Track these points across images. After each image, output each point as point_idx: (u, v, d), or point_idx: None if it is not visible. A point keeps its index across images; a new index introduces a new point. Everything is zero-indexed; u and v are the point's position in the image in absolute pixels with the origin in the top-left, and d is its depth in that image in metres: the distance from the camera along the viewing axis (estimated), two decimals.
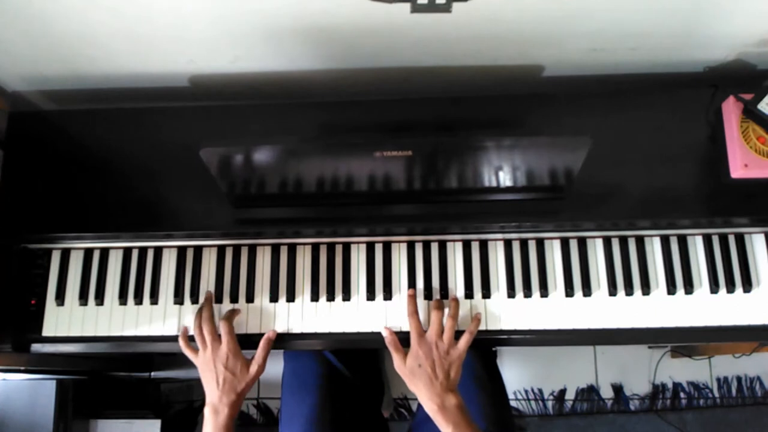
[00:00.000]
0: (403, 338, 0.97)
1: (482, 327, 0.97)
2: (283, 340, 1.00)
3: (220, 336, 0.96)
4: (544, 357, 1.75)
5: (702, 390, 1.71)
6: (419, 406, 1.16)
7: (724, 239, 1.01)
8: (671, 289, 0.98)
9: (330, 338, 1.00)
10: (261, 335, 0.99)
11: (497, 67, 1.05)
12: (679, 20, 0.91)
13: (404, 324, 0.98)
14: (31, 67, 1.04)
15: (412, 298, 0.98)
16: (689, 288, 0.98)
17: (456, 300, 0.99)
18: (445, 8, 0.85)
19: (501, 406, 1.08)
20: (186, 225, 1.00)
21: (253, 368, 0.94)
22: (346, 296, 1.01)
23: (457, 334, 0.94)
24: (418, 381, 0.90)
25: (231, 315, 0.98)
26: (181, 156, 0.99)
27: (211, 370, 0.93)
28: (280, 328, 1.00)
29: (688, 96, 1.01)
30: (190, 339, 0.98)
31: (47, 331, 1.01)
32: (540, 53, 1.02)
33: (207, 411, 0.92)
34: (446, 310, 0.97)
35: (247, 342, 0.98)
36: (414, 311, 0.96)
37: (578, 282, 1.00)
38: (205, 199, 0.98)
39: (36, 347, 1.01)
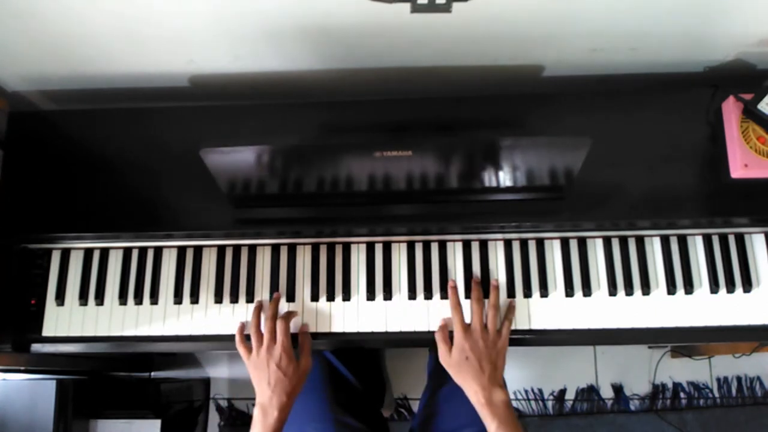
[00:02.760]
0: (404, 339, 0.97)
1: None
2: None
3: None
4: (544, 357, 1.75)
5: (702, 390, 1.71)
6: (420, 406, 1.16)
7: (724, 239, 1.01)
8: (671, 289, 0.98)
9: (330, 338, 1.00)
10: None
11: (497, 67, 1.05)
12: (679, 20, 0.91)
13: (404, 325, 0.98)
14: (31, 67, 1.04)
15: (454, 290, 0.97)
16: (689, 288, 0.98)
17: (497, 287, 0.98)
18: (445, 8, 0.85)
19: None
20: (186, 225, 1.00)
21: (302, 365, 0.94)
22: (346, 296, 1.01)
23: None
24: (465, 374, 0.89)
25: (288, 316, 0.98)
26: (180, 156, 0.99)
27: (263, 370, 0.92)
28: None
29: (688, 96, 1.01)
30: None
31: (47, 331, 1.01)
32: (540, 53, 1.02)
33: (256, 411, 0.91)
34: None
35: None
36: (457, 303, 0.95)
37: (578, 282, 1.00)
38: (205, 199, 0.98)
39: (36, 347, 1.01)
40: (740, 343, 1.40)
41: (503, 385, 0.89)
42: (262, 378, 0.92)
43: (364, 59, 1.02)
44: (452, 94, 1.03)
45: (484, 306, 0.95)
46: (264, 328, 0.95)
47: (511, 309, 0.97)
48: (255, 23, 0.90)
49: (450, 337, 0.94)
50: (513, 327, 0.97)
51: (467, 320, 0.95)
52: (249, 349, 0.95)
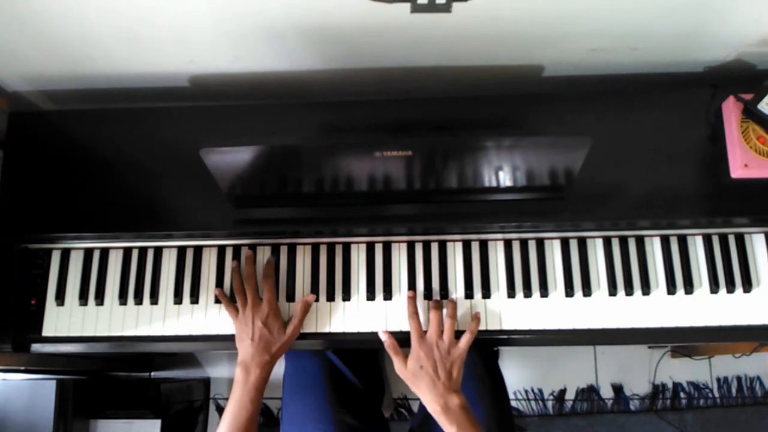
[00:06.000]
0: (403, 338, 0.97)
1: (482, 327, 0.97)
2: None
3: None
4: (544, 357, 1.75)
5: (702, 390, 1.71)
6: (420, 405, 1.16)
7: (724, 239, 1.01)
8: (671, 289, 0.98)
9: (330, 338, 1.00)
10: None
11: (497, 67, 1.05)
12: (679, 20, 0.91)
13: (404, 324, 0.98)
14: (31, 67, 1.04)
15: (412, 299, 0.98)
16: (689, 288, 0.98)
17: (453, 300, 0.99)
18: (445, 8, 0.85)
19: (502, 406, 1.08)
20: (186, 225, 1.00)
21: (289, 329, 0.94)
22: (346, 296, 1.01)
23: (458, 334, 0.95)
24: (420, 383, 0.90)
25: (269, 272, 0.99)
26: (180, 156, 0.99)
27: (248, 327, 0.93)
28: None
29: (688, 96, 1.01)
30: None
31: (47, 331, 1.01)
32: (540, 53, 1.02)
33: (237, 370, 0.91)
34: (444, 311, 0.97)
35: None
36: (414, 312, 0.96)
37: (578, 282, 1.00)
38: (205, 199, 0.98)
39: (36, 347, 1.01)
40: (740, 343, 1.40)
41: (459, 391, 0.90)
42: (247, 334, 0.92)
43: (364, 59, 1.02)
44: (452, 94, 1.03)
45: (442, 315, 0.95)
46: (247, 287, 0.96)
47: (475, 321, 0.96)
48: (255, 23, 0.90)
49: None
50: (514, 327, 0.98)
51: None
52: (236, 310, 0.96)
